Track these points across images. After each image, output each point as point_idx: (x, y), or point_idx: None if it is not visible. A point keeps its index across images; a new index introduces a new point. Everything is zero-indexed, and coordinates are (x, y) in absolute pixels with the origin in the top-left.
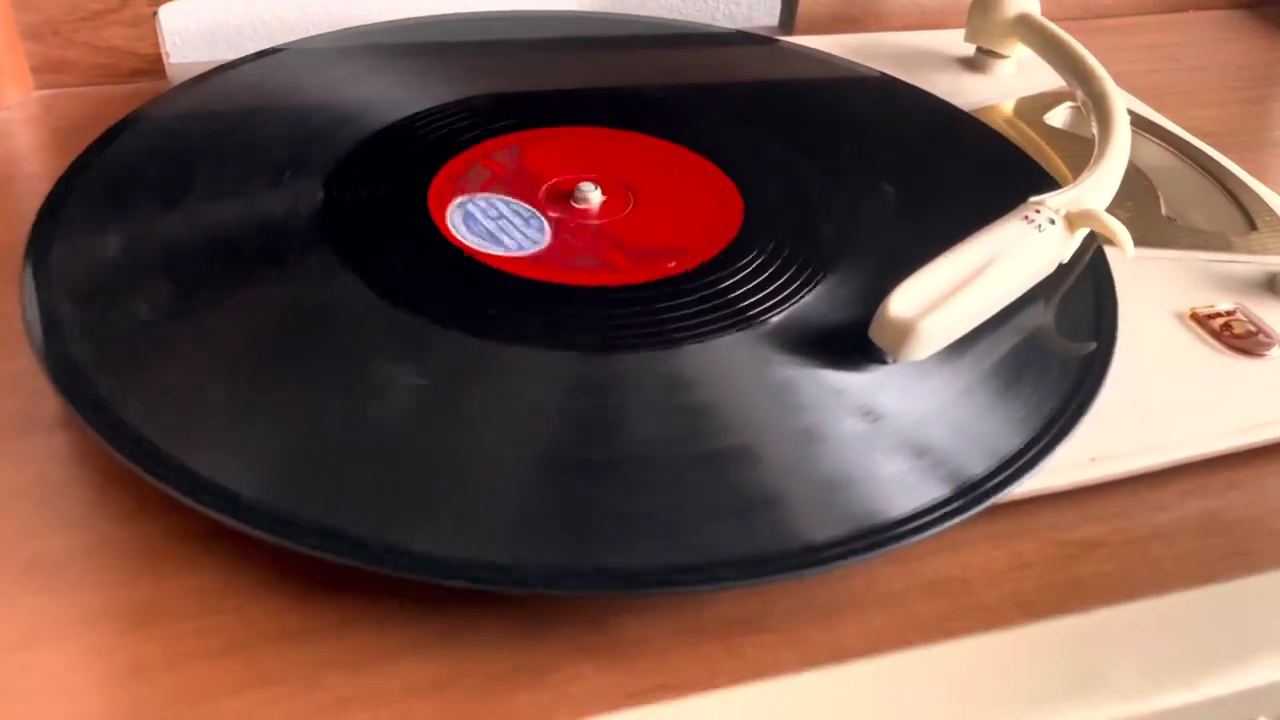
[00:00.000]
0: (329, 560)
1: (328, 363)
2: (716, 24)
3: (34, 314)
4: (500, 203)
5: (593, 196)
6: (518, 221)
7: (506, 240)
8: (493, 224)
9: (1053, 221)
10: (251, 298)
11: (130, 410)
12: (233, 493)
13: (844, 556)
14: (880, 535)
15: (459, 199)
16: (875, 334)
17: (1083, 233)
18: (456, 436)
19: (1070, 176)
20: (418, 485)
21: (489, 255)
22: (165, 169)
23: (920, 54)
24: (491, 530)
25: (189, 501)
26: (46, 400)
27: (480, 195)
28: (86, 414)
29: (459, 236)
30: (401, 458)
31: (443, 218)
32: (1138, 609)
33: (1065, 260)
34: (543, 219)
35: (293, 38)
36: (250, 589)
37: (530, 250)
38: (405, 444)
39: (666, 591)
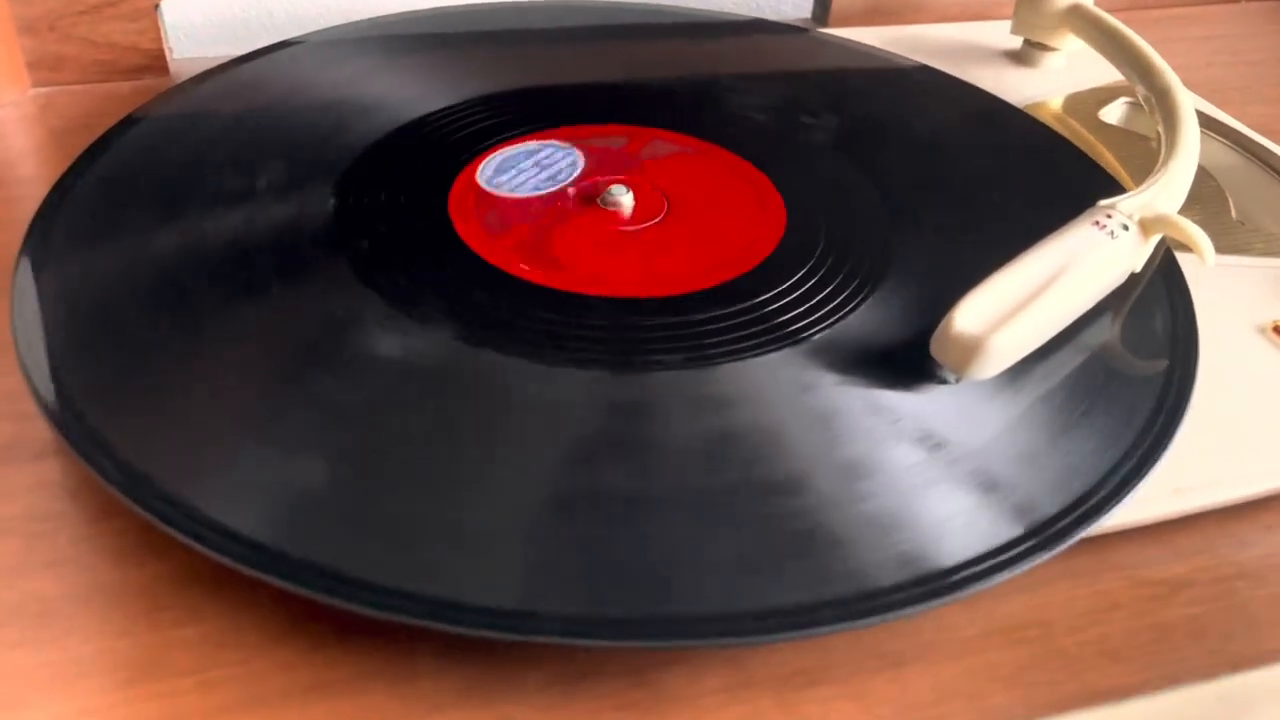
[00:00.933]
0: (343, 608)
1: (342, 387)
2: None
3: (23, 330)
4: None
5: (624, 200)
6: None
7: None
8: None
9: (1125, 227)
10: (260, 314)
11: (127, 439)
12: (238, 533)
13: (910, 603)
14: (948, 579)
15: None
16: (937, 350)
17: (1156, 239)
18: (481, 468)
19: (1128, 177)
20: (437, 523)
21: (514, 265)
22: (168, 172)
23: (963, 47)
24: (516, 574)
25: (190, 542)
26: (35, 425)
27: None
28: (78, 442)
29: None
30: (421, 492)
31: (463, 221)
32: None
33: (1137, 269)
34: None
35: (303, 31)
36: (257, 640)
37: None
38: (425, 476)
39: (711, 644)
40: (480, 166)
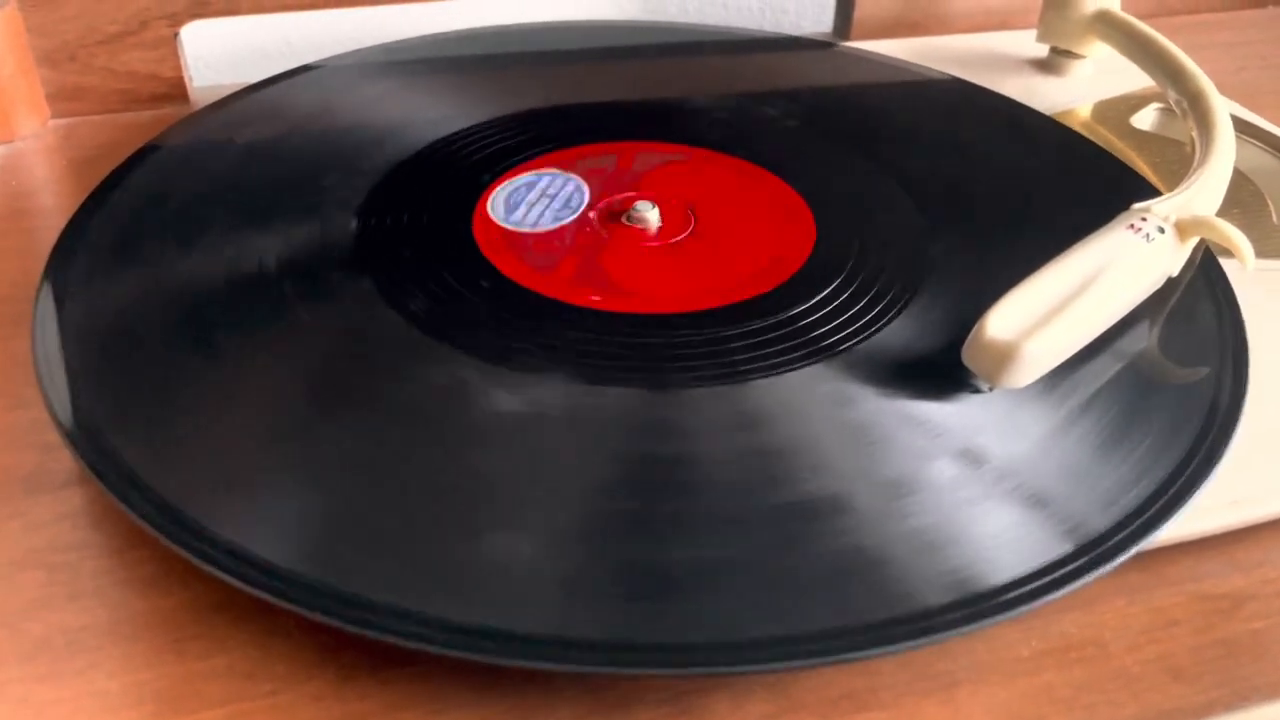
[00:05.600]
0: (374, 638)
1: (370, 412)
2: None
3: (47, 360)
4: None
5: (650, 216)
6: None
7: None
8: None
9: (1161, 230)
10: (285, 340)
11: (152, 468)
12: (267, 562)
13: (959, 624)
14: (999, 599)
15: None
16: (970, 358)
17: (1193, 242)
18: (514, 492)
19: (1162, 184)
20: (469, 550)
21: (540, 284)
22: (188, 200)
23: (988, 57)
24: (552, 600)
25: (217, 572)
26: (59, 456)
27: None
28: (103, 472)
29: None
30: (453, 518)
31: (488, 242)
32: None
33: (1174, 273)
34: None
35: (320, 57)
36: (286, 670)
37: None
38: (457, 502)
39: (754, 670)
40: (488, 205)
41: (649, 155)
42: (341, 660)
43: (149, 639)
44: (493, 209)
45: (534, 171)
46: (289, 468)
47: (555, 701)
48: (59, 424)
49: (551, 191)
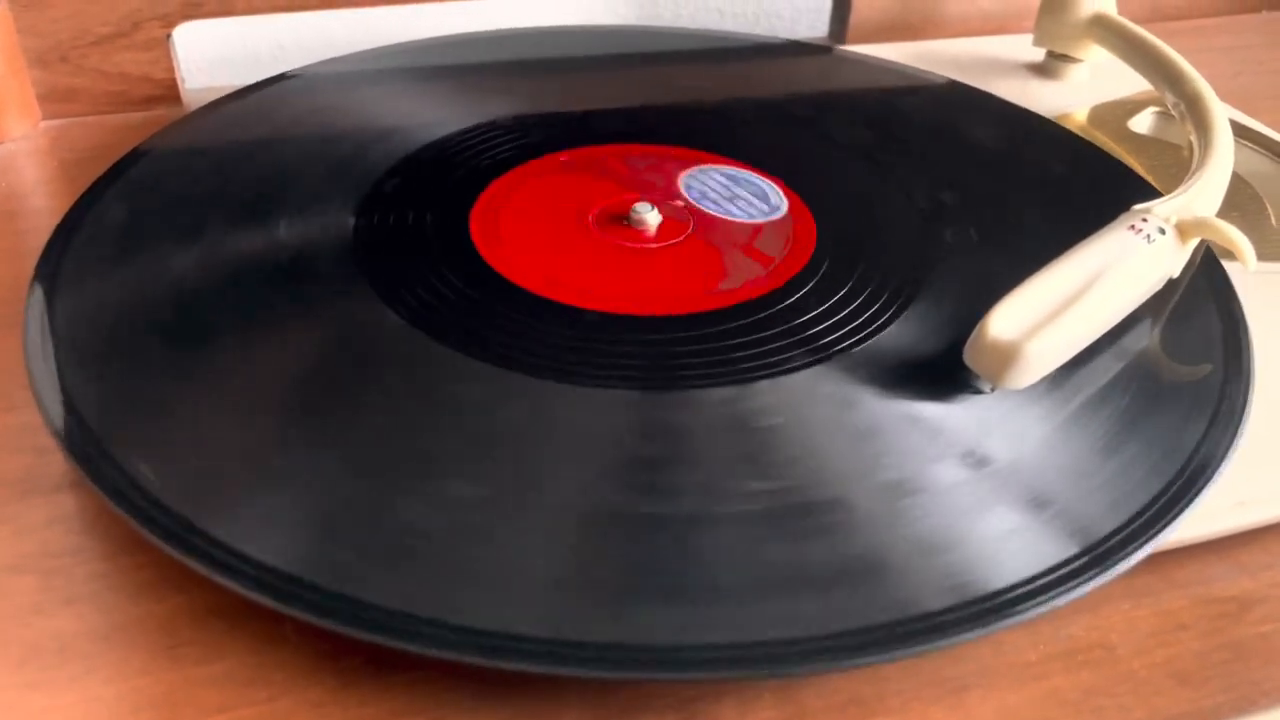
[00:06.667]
0: (374, 642)
1: (367, 413)
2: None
3: (38, 362)
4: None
5: (649, 218)
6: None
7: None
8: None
9: (1162, 231)
10: (280, 341)
11: (146, 470)
12: (263, 564)
13: (965, 628)
14: (1004, 602)
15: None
16: (971, 358)
17: (1194, 243)
18: (515, 494)
19: (1160, 188)
20: (470, 552)
21: (539, 285)
22: (181, 202)
23: (985, 61)
24: (554, 604)
25: (212, 574)
26: (51, 459)
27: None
28: (96, 475)
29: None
30: (453, 520)
31: (485, 242)
32: None
33: (1175, 274)
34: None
35: (313, 60)
36: (284, 677)
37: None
38: (456, 504)
39: (761, 674)
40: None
41: (641, 158)
42: (341, 666)
43: (144, 645)
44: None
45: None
46: (285, 470)
47: (558, 707)
48: (51, 427)
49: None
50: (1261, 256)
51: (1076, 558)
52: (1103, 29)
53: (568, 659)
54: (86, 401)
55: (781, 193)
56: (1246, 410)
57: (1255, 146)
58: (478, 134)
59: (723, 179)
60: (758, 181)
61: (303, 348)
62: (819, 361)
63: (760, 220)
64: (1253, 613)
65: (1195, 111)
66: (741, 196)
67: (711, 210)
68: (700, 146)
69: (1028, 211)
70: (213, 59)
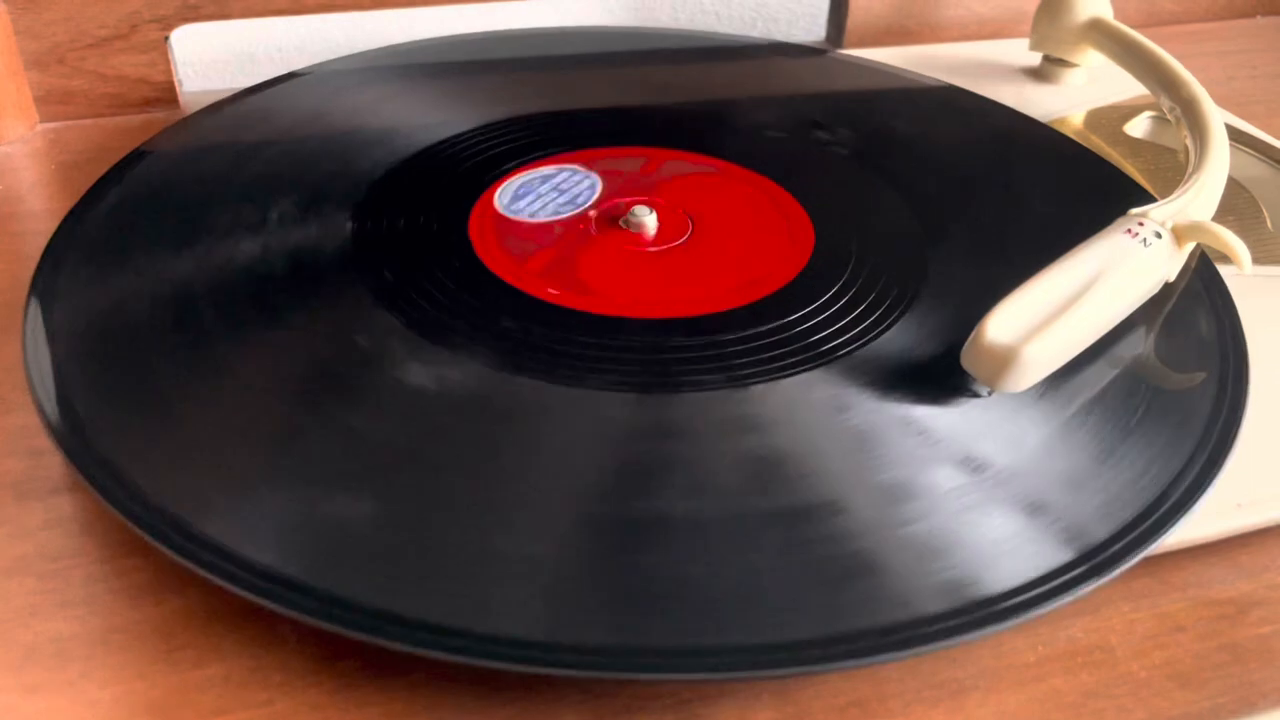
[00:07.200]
0: (373, 644)
1: (366, 416)
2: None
3: (36, 364)
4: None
5: (647, 221)
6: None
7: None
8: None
9: (1159, 235)
10: (279, 343)
11: (143, 471)
12: (261, 566)
13: (964, 630)
14: (1002, 605)
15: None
16: (969, 362)
17: (1190, 247)
18: (512, 496)
19: (1156, 192)
20: (468, 554)
21: (540, 290)
22: (179, 205)
23: (982, 65)
24: (553, 605)
25: (210, 575)
26: (48, 461)
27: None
28: (94, 476)
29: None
30: (450, 522)
31: (483, 245)
32: None
33: (1171, 279)
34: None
35: (311, 62)
36: (282, 679)
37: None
38: (453, 506)
39: (762, 676)
40: (497, 192)
41: (633, 160)
42: (340, 669)
43: (141, 648)
44: (500, 197)
45: (555, 165)
46: (283, 471)
47: (558, 710)
48: (49, 427)
49: (565, 186)
50: (1257, 260)
51: (1074, 563)
52: (1099, 34)
53: (565, 661)
54: (84, 403)
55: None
56: (1242, 413)
57: (1251, 151)
58: (476, 136)
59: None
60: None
61: (301, 350)
62: (816, 365)
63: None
64: (1251, 615)
65: (1191, 116)
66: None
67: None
68: (697, 149)
69: (1024, 215)
70: (210, 61)
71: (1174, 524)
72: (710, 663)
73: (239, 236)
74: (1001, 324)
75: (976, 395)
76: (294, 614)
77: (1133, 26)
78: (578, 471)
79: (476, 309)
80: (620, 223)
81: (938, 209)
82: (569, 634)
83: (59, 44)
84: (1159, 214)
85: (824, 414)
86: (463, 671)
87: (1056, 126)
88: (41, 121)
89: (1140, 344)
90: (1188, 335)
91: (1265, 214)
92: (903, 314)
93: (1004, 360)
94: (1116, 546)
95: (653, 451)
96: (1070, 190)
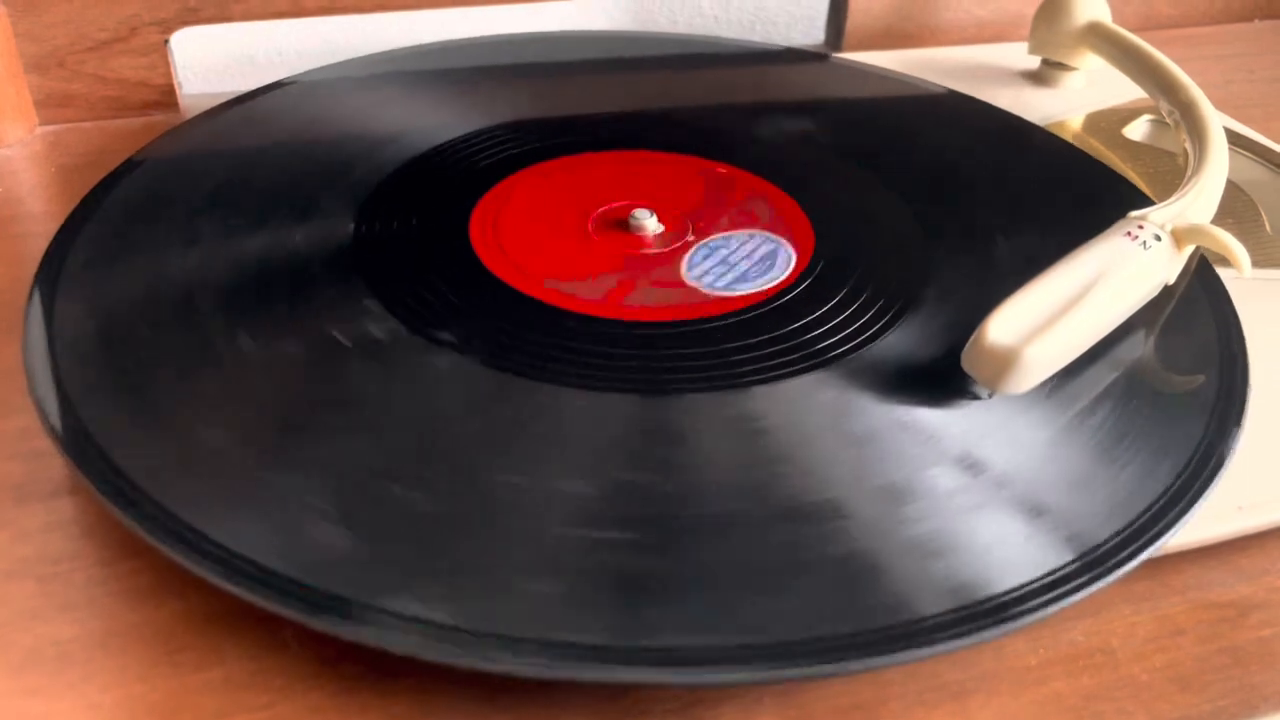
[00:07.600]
0: (374, 646)
1: (367, 416)
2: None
3: (37, 367)
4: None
5: (648, 224)
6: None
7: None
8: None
9: (1158, 238)
10: (280, 346)
11: (143, 473)
12: (263, 567)
13: (965, 633)
14: (1002, 608)
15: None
16: (969, 364)
17: (1189, 250)
18: (512, 496)
19: (1155, 195)
20: (467, 555)
21: (538, 290)
22: (179, 208)
23: (980, 69)
24: (552, 607)
25: (210, 576)
26: (49, 464)
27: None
28: (95, 478)
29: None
30: (450, 522)
31: (485, 249)
32: None
33: (1171, 281)
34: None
35: (311, 66)
36: (283, 682)
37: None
38: (454, 506)
39: (757, 678)
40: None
41: (642, 164)
42: (340, 672)
43: (142, 651)
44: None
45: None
46: (284, 473)
47: (560, 713)
48: (50, 430)
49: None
50: (1256, 263)
51: (1074, 565)
52: (1097, 37)
53: (566, 663)
54: (85, 405)
55: (792, 251)
56: (1243, 416)
57: (1249, 154)
58: (476, 140)
59: (725, 252)
60: (765, 243)
61: (302, 352)
62: (817, 367)
63: (769, 287)
64: (1251, 617)
65: (1189, 119)
66: (742, 266)
67: (719, 292)
68: (698, 152)
69: (1024, 218)
70: (210, 65)
71: (1175, 527)
72: (711, 665)
73: (240, 240)
74: (1002, 326)
75: (977, 397)
76: (295, 616)
77: (1131, 30)
78: (579, 473)
79: (478, 311)
80: (622, 226)
81: (938, 211)
82: (570, 636)
83: (59, 47)
84: (1159, 217)
85: (825, 415)
86: (463, 674)
87: (1055, 130)
88: (41, 124)
89: (1140, 347)
90: (1188, 338)
91: (1264, 217)
92: (903, 316)
93: (1005, 362)
94: (1117, 549)
95: (653, 453)
96: (1069, 193)
